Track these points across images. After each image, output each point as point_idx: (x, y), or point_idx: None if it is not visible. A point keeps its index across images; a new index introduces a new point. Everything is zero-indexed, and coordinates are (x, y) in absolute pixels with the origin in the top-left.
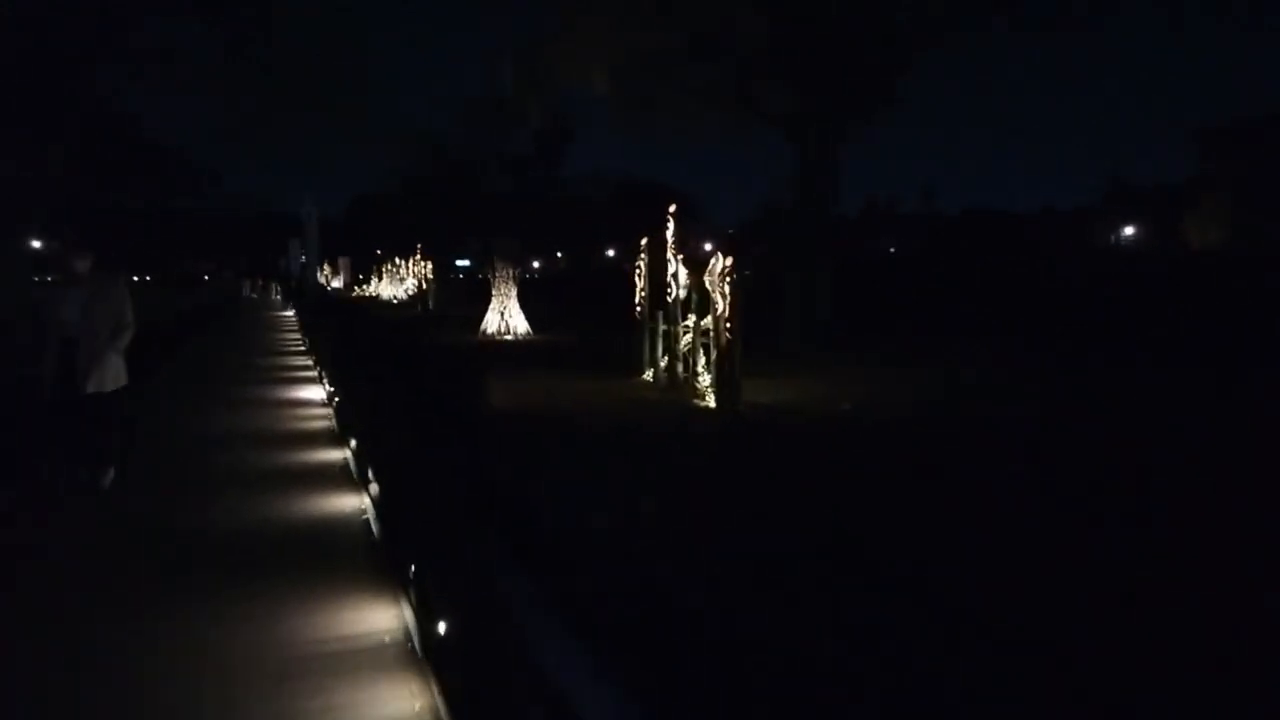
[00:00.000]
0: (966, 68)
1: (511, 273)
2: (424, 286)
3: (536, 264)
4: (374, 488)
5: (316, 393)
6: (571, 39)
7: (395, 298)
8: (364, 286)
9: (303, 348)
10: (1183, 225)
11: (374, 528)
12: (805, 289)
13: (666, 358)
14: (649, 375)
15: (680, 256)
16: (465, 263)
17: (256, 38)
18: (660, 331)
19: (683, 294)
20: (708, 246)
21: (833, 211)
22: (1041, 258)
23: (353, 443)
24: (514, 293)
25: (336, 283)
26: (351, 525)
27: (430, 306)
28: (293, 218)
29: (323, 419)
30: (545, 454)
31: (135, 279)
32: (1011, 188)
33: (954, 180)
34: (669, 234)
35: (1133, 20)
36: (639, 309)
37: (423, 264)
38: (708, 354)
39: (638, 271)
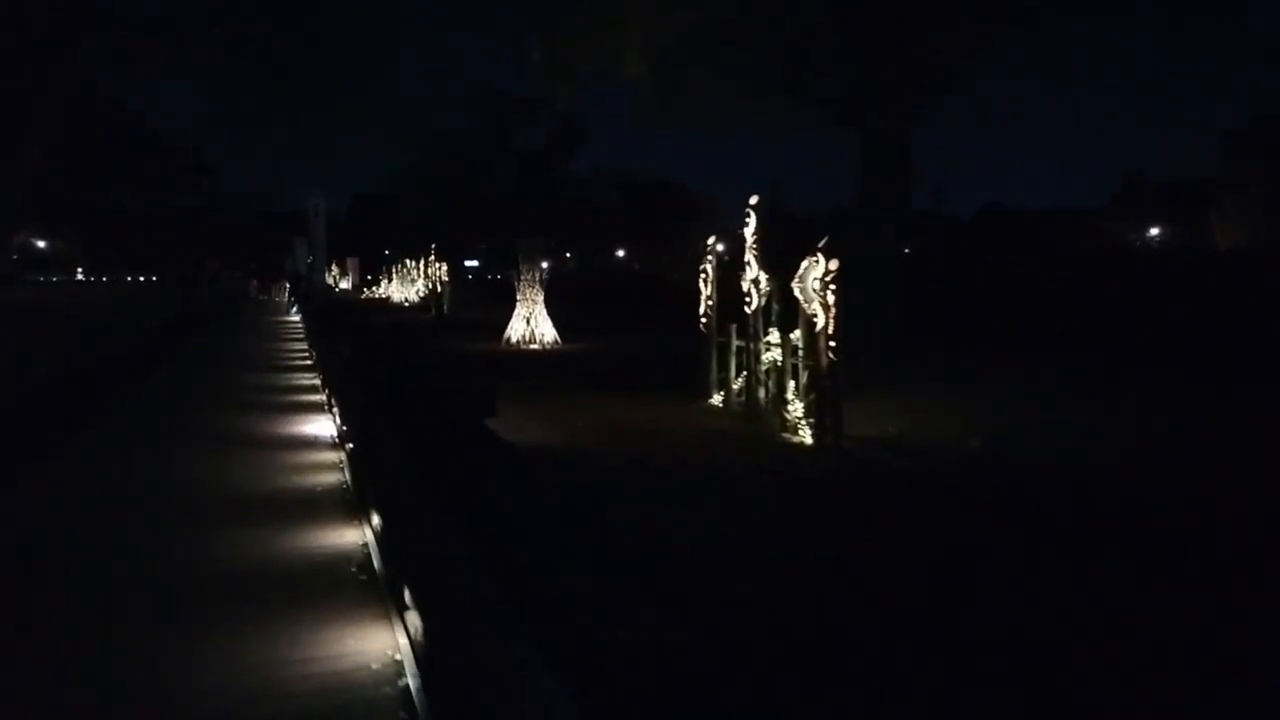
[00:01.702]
0: (966, 68)
1: (539, 275)
2: (438, 289)
3: (545, 264)
4: (415, 623)
5: (323, 426)
6: (604, 15)
7: (407, 300)
8: (373, 288)
9: (307, 358)
10: (1209, 224)
11: (417, 701)
12: (880, 297)
13: (740, 380)
14: (717, 399)
15: (757, 257)
16: (473, 263)
17: (260, 25)
18: (733, 348)
19: (762, 304)
20: (720, 247)
21: (904, 209)
22: (1069, 258)
23: (375, 520)
24: (541, 297)
25: (344, 284)
26: (379, 696)
27: (445, 310)
28: (295, 217)
29: (331, 468)
30: (625, 525)
31: (141, 279)
32: (1013, 187)
33: (956, 180)
34: (749, 232)
35: (1134, 19)
36: (705, 320)
37: (436, 265)
38: (795, 376)
39: (703, 276)
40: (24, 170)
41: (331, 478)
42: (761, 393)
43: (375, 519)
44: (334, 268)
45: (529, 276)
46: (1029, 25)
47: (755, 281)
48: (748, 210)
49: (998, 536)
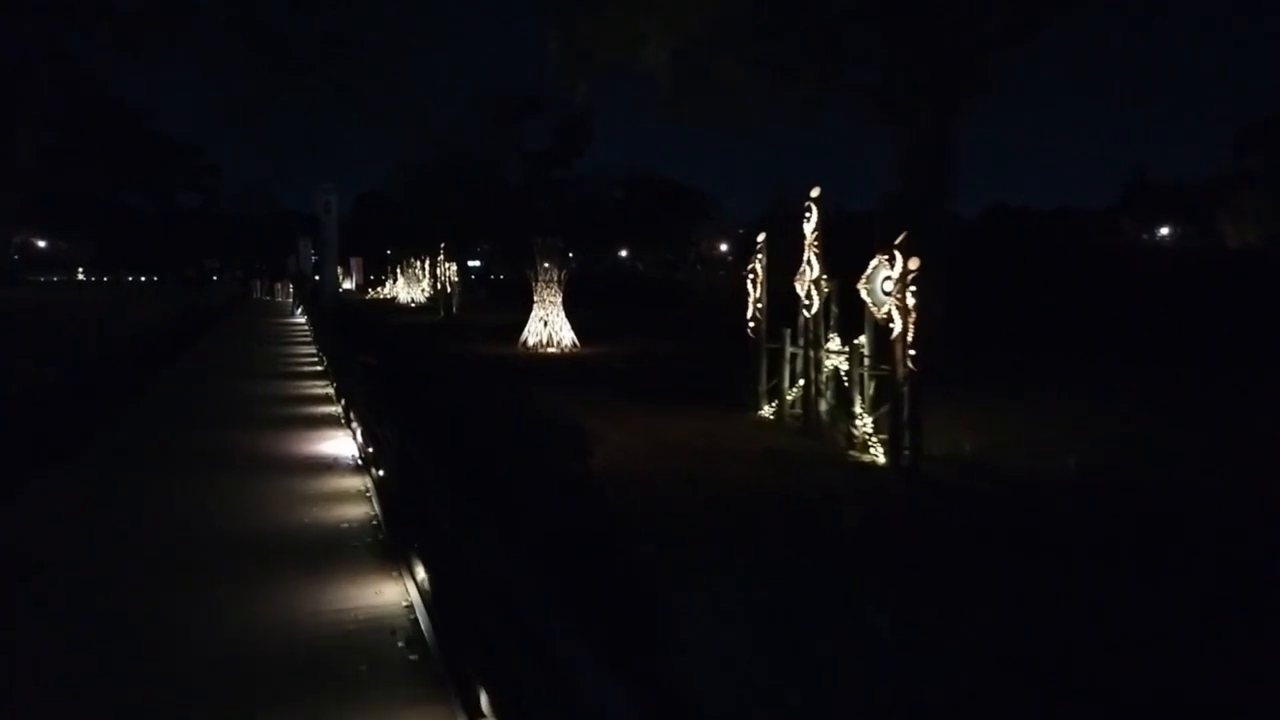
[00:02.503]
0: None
1: (558, 275)
2: (447, 289)
3: (546, 264)
4: None
5: (342, 444)
6: (626, 3)
7: (413, 301)
8: (378, 288)
9: (319, 365)
10: (1218, 224)
11: None
12: (936, 299)
13: (795, 390)
14: (768, 411)
15: (818, 255)
16: (475, 264)
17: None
18: (787, 355)
19: (822, 307)
20: (724, 246)
21: (950, 206)
22: (1092, 258)
23: (420, 574)
24: (560, 298)
25: (348, 284)
26: None
27: (454, 311)
28: (298, 217)
29: (355, 498)
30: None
31: (143, 279)
32: (1013, 187)
33: (959, 178)
34: (808, 228)
35: (1137, 18)
36: (752, 325)
37: (445, 265)
38: (860, 387)
39: (751, 276)
40: (17, 162)
41: (357, 510)
42: (822, 405)
43: (420, 572)
44: (338, 268)
45: (547, 276)
46: (1065, 18)
47: (816, 282)
48: (807, 205)
49: (1158, 594)
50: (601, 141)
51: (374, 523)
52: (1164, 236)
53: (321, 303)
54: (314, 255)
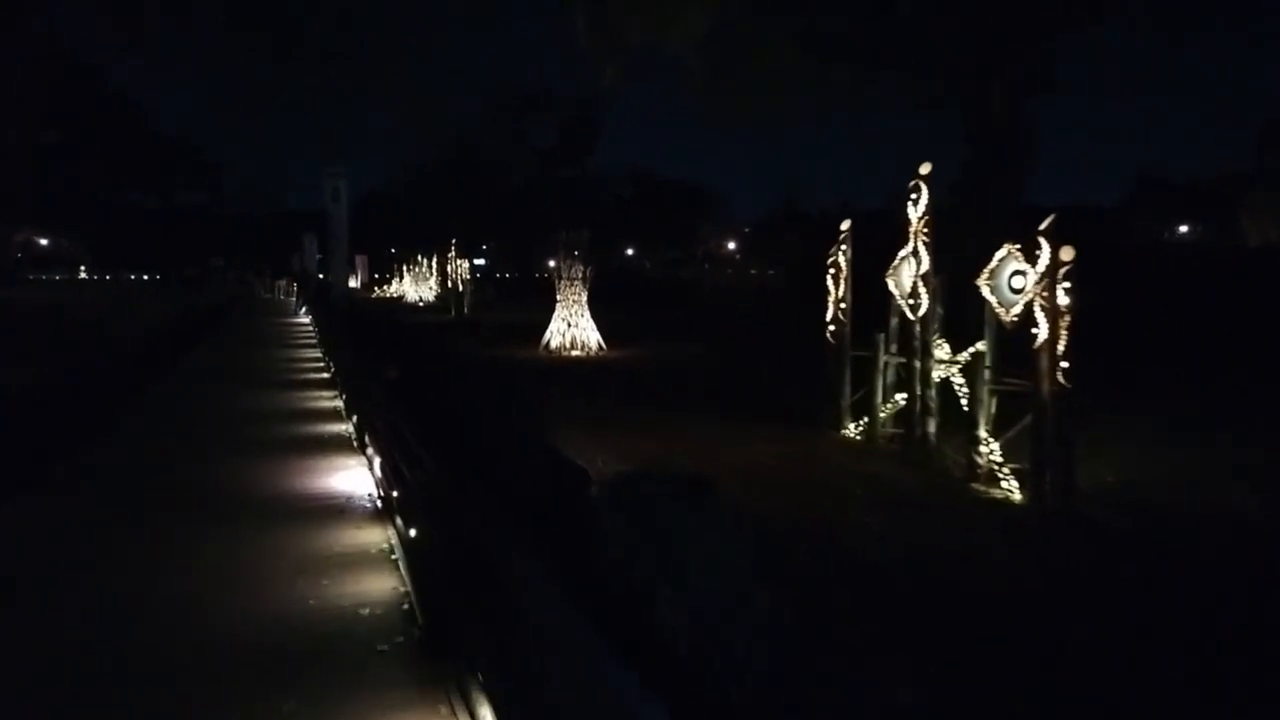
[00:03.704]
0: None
1: (583, 273)
2: (459, 288)
3: (552, 263)
4: None
5: (356, 477)
6: None
7: (421, 300)
8: (384, 287)
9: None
10: (1237, 222)
11: None
12: None
13: (889, 405)
14: (853, 430)
15: (927, 244)
16: (479, 262)
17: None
18: (881, 364)
19: (930, 307)
20: (731, 245)
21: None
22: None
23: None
24: (584, 298)
25: (353, 282)
26: None
27: (465, 310)
28: (301, 216)
29: (377, 563)
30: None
31: (145, 278)
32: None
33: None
34: (915, 212)
35: (1137, 15)
36: (833, 329)
37: (456, 263)
38: (981, 405)
39: (833, 272)
40: (17, 160)
41: (380, 584)
42: (930, 425)
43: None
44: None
45: (571, 274)
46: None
47: (925, 278)
48: (914, 185)
49: None
50: (604, 140)
51: (405, 606)
52: (1183, 234)
53: (330, 302)
54: (318, 255)
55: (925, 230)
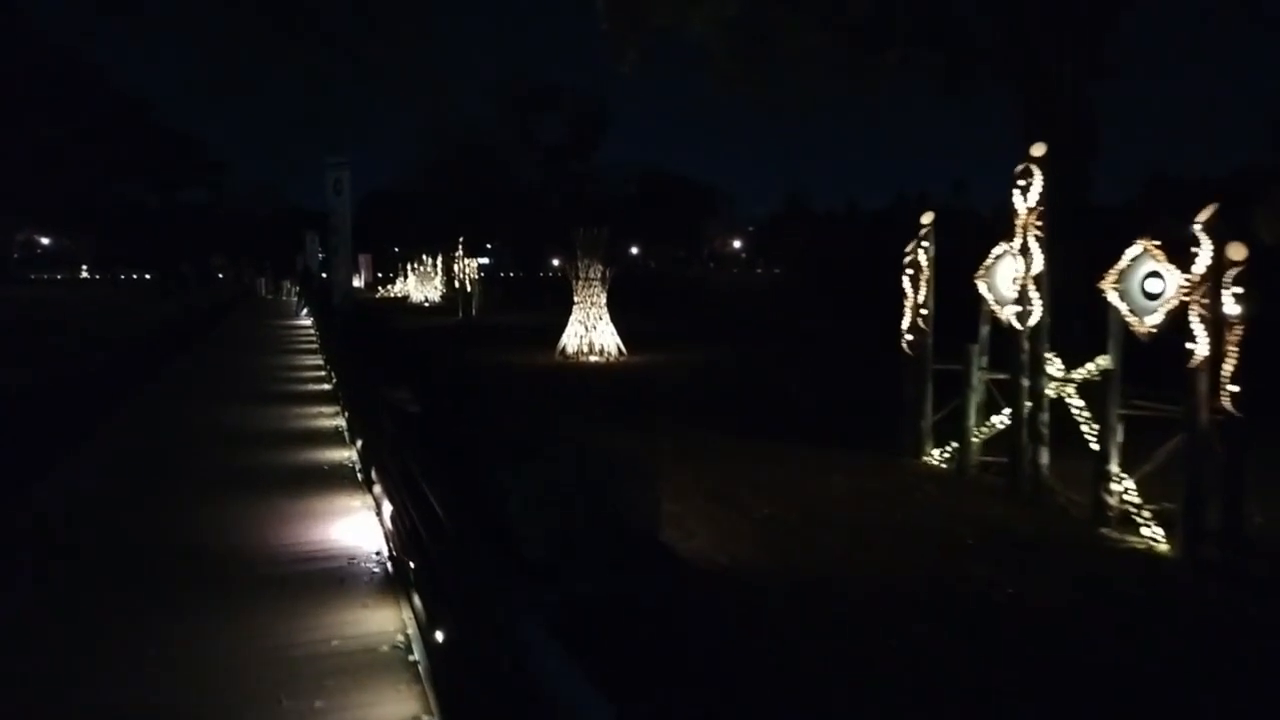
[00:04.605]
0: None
1: (603, 273)
2: (467, 288)
3: (556, 261)
4: None
5: (360, 525)
6: None
7: (426, 300)
8: (388, 287)
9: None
10: (1252, 219)
11: None
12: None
13: (983, 428)
14: (936, 457)
15: (1040, 240)
16: (484, 261)
17: None
18: (974, 381)
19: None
20: (737, 244)
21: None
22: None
23: None
24: (604, 300)
25: (356, 281)
26: None
27: (473, 312)
28: (305, 213)
29: (394, 673)
30: None
31: (148, 276)
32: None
33: (954, 172)
34: (1024, 203)
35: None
36: (911, 337)
37: (464, 262)
38: (1108, 433)
39: (911, 272)
40: (18, 158)
41: (398, 709)
42: (1043, 455)
43: None
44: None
45: (589, 275)
46: None
47: (1038, 279)
48: (1023, 170)
49: None
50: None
51: None
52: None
53: (333, 303)
54: (320, 253)
55: (1038, 224)
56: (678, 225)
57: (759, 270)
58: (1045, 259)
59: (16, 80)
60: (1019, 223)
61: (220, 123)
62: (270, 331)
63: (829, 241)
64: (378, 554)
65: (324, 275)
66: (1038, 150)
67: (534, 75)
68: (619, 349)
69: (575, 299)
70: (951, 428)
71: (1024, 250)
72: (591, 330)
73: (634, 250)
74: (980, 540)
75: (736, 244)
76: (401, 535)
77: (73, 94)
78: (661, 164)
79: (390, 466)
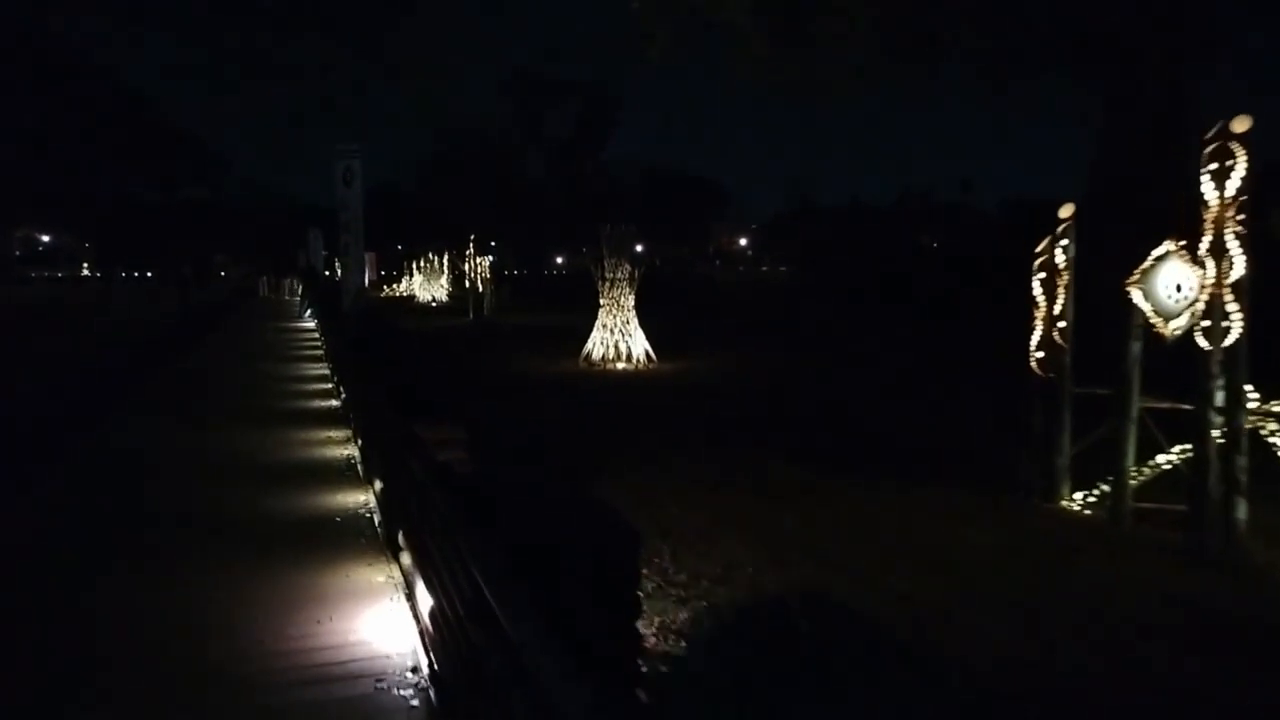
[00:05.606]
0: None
1: (632, 273)
2: (478, 288)
3: (560, 259)
4: None
5: (387, 618)
6: None
7: (434, 300)
8: (393, 286)
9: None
10: (1271, 213)
11: None
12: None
13: (1145, 469)
14: (1078, 501)
15: (1240, 238)
16: (489, 258)
17: None
18: (1134, 412)
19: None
20: (743, 241)
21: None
22: None
23: None
24: (632, 302)
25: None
26: None
27: (485, 313)
28: (307, 210)
29: None
30: None
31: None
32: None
33: (955, 169)
34: (1219, 190)
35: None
36: (1041, 355)
37: (477, 260)
38: None
39: (1042, 276)
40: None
41: None
42: (1241, 510)
43: None
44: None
45: (616, 275)
46: None
47: (1237, 287)
48: (1218, 149)
49: None
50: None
51: None
52: None
53: (342, 307)
54: (324, 251)
55: (1238, 219)
56: (687, 223)
57: (764, 268)
58: (1248, 262)
59: (14, 75)
60: (1208, 216)
61: (220, 122)
62: (273, 336)
63: (841, 239)
64: (413, 674)
65: (328, 274)
66: (1240, 125)
67: (539, 72)
68: (647, 355)
69: (600, 301)
70: (1091, 466)
71: (1216, 250)
72: (617, 335)
73: (639, 248)
74: (1203, 635)
75: (742, 241)
76: (452, 655)
77: (72, 90)
78: (663, 164)
79: (431, 547)
